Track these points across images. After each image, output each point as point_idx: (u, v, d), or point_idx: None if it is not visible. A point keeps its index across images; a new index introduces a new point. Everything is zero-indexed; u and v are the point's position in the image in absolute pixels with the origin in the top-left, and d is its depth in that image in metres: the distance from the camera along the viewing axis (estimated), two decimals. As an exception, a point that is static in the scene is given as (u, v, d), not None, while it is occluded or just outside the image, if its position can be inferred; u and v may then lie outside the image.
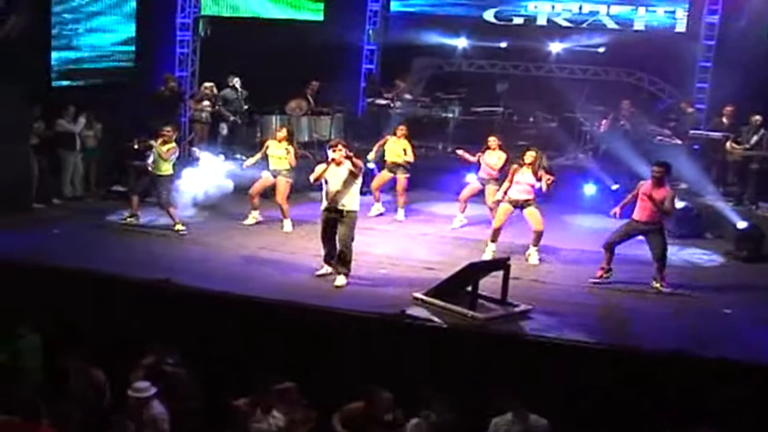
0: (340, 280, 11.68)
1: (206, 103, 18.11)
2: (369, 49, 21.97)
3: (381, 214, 15.77)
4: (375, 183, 15.86)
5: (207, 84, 18.33)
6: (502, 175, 14.13)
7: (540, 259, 13.24)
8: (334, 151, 11.58)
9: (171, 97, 17.45)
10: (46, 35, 16.16)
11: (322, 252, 12.00)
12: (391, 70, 21.39)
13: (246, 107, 18.51)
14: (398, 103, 20.09)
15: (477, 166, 15.05)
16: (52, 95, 16.28)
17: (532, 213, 13.15)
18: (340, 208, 11.58)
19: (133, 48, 18.24)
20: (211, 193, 15.33)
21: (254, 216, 14.75)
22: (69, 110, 15.98)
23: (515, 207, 13.18)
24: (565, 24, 21.08)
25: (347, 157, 11.51)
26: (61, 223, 14.40)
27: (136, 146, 14.82)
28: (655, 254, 12.08)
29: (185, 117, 18.40)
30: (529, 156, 13.08)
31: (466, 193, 15.22)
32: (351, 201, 11.62)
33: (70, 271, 11.39)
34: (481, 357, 9.72)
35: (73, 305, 10.73)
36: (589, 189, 17.05)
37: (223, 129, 18.36)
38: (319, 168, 11.75)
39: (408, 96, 20.41)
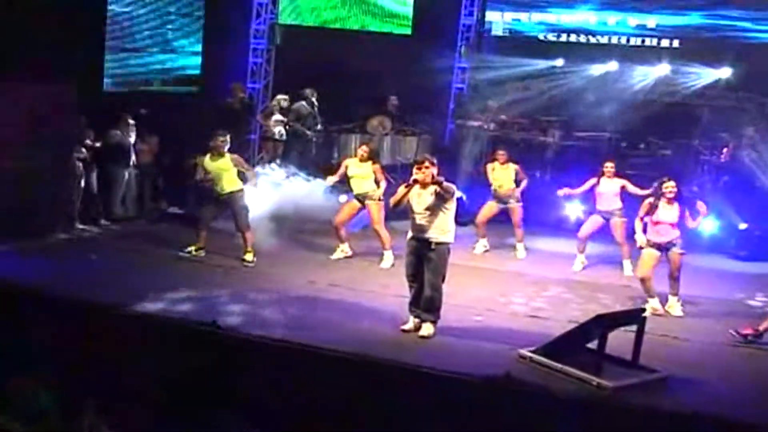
0: (427, 329, 9.22)
1: (277, 117, 15.76)
2: (460, 67, 19.55)
3: (487, 251, 13.48)
4: (482, 215, 13.50)
5: (280, 96, 16.06)
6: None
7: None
8: (419, 169, 9.18)
9: (240, 111, 15.20)
10: (99, 34, 14.02)
11: (409, 294, 9.53)
12: (483, 90, 18.95)
13: (319, 125, 16.10)
14: (491, 126, 17.68)
15: (593, 199, 12.75)
16: (105, 102, 14.15)
17: (675, 257, 10.61)
18: (428, 239, 9.16)
19: (199, 54, 16.03)
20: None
21: (343, 249, 12.43)
22: (124, 120, 13.86)
23: (660, 250, 10.65)
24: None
25: (434, 181, 9.13)
26: (103, 247, 12.23)
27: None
28: None
29: (255, 134, 16.02)
30: (668, 188, 10.56)
31: (586, 229, 12.75)
32: (441, 231, 9.20)
33: (86, 304, 9.16)
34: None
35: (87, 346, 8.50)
36: (710, 225, 14.40)
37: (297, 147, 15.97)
38: (400, 191, 9.38)
39: (503, 117, 17.96)
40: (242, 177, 11.87)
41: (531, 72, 18.93)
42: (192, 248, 11.97)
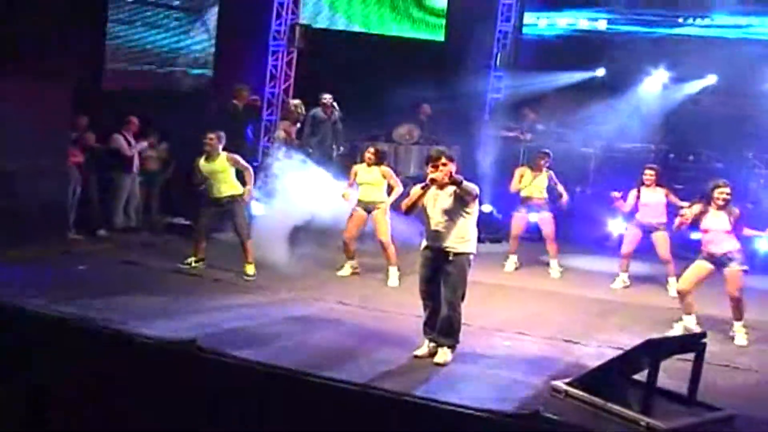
0: (443, 355, 7.67)
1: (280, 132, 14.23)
2: (496, 75, 18.03)
3: (517, 268, 12.02)
4: (514, 228, 12.00)
5: (294, 101, 14.53)
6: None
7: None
8: (434, 167, 7.60)
9: (244, 114, 13.76)
10: (98, 27, 12.70)
11: (423, 313, 7.99)
12: (519, 98, 17.45)
13: (339, 132, 14.52)
14: (528, 136, 16.18)
15: (632, 210, 11.22)
16: (108, 102, 12.82)
17: (734, 274, 8.95)
18: (446, 249, 7.63)
19: (212, 54, 14.61)
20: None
21: (351, 265, 10.98)
22: (131, 123, 12.55)
23: (715, 264, 9.04)
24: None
25: (453, 181, 7.55)
26: (95, 258, 10.84)
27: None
28: None
29: (266, 142, 14.46)
30: (722, 193, 8.97)
31: (628, 245, 11.21)
32: (461, 239, 7.66)
33: (55, 319, 7.85)
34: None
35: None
36: (765, 245, 12.79)
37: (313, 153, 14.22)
38: (415, 192, 7.80)
39: (540, 127, 16.43)
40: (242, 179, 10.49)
41: (571, 83, 17.57)
42: (191, 259, 10.63)
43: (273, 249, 10.88)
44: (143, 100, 13.19)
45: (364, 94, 14.91)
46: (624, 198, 11.19)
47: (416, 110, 15.91)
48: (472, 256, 7.74)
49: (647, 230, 10.98)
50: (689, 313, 9.18)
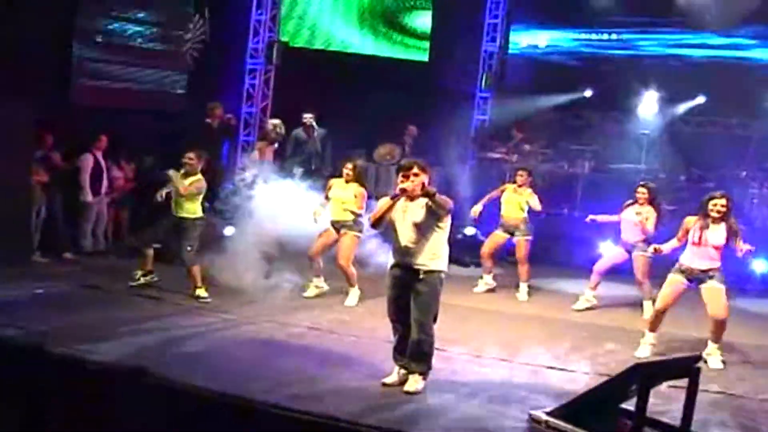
0: (414, 383, 6.96)
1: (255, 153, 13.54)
2: (482, 96, 17.45)
3: (491, 290, 11.29)
4: (486, 247, 11.33)
5: (273, 121, 13.85)
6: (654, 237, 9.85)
7: (723, 362, 8.33)
8: (405, 177, 6.93)
9: (219, 132, 13.13)
10: (65, 40, 12.12)
11: (392, 338, 7.30)
12: (505, 118, 16.89)
13: (320, 150, 13.84)
14: (515, 157, 15.58)
15: (618, 229, 10.57)
16: (77, 121, 12.19)
17: (713, 292, 8.28)
18: (416, 266, 6.95)
19: (185, 73, 14.04)
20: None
21: (317, 285, 10.29)
22: (101, 141, 11.91)
23: (690, 280, 8.35)
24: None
25: (425, 192, 6.88)
26: (55, 281, 10.13)
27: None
28: None
29: (240, 161, 13.76)
30: (718, 205, 8.31)
31: (604, 262, 10.56)
32: (432, 256, 6.96)
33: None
34: None
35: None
36: (760, 266, 12.51)
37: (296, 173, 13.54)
38: (382, 203, 7.12)
39: (527, 147, 15.82)
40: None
41: (559, 104, 17.12)
42: (138, 273, 10.03)
43: (241, 271, 10.20)
44: (114, 117, 12.55)
45: (346, 114, 14.33)
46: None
47: (403, 131, 15.31)
48: (443, 275, 7.05)
49: (627, 249, 10.33)
50: (653, 330, 8.59)
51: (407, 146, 15.17)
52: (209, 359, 7.53)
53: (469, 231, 13.13)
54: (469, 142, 16.96)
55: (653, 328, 8.59)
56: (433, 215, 6.92)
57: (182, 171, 9.85)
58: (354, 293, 10.02)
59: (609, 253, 10.69)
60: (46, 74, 11.50)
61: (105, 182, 12.05)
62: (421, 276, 6.90)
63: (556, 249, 13.26)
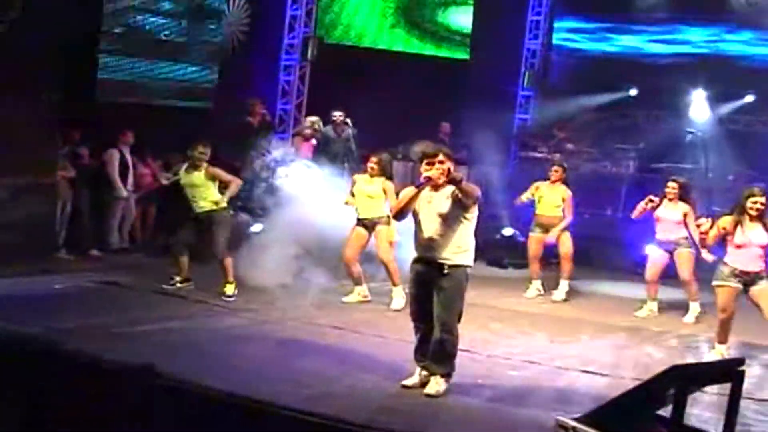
0: (436, 385, 6.50)
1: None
2: (523, 95, 16.98)
3: (541, 295, 10.74)
4: (531, 251, 10.77)
5: (311, 118, 13.51)
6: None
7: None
8: (430, 164, 6.51)
9: (260, 130, 12.77)
10: (93, 35, 11.88)
11: (414, 337, 6.86)
12: (547, 118, 16.46)
13: (354, 148, 13.45)
14: (557, 156, 15.04)
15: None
16: (104, 116, 11.96)
17: (765, 293, 7.75)
18: (440, 261, 6.51)
19: (216, 66, 13.71)
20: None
21: (360, 292, 9.69)
22: (126, 137, 11.66)
23: (745, 285, 7.83)
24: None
25: (451, 179, 6.44)
26: (76, 278, 9.87)
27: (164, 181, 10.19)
28: None
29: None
30: (758, 203, 7.77)
31: (654, 271, 9.95)
32: (457, 250, 6.51)
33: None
34: None
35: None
36: None
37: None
38: (407, 192, 6.69)
39: (570, 146, 15.33)
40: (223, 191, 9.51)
41: (603, 103, 16.60)
42: (177, 279, 9.62)
43: (269, 269, 9.83)
44: (141, 114, 12.30)
45: (383, 112, 13.95)
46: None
47: (436, 129, 14.90)
48: (469, 270, 6.60)
49: (667, 249, 9.77)
50: (722, 342, 8.01)
51: (443, 144, 14.75)
52: (226, 359, 7.15)
53: (507, 232, 12.68)
54: (511, 142, 16.53)
55: (723, 339, 8.01)
56: (460, 205, 6.48)
57: (186, 165, 9.50)
58: (398, 293, 9.38)
59: (653, 258, 10.04)
60: (72, 70, 11.22)
61: (131, 179, 11.80)
62: (445, 271, 6.46)
63: (596, 250, 12.69)
